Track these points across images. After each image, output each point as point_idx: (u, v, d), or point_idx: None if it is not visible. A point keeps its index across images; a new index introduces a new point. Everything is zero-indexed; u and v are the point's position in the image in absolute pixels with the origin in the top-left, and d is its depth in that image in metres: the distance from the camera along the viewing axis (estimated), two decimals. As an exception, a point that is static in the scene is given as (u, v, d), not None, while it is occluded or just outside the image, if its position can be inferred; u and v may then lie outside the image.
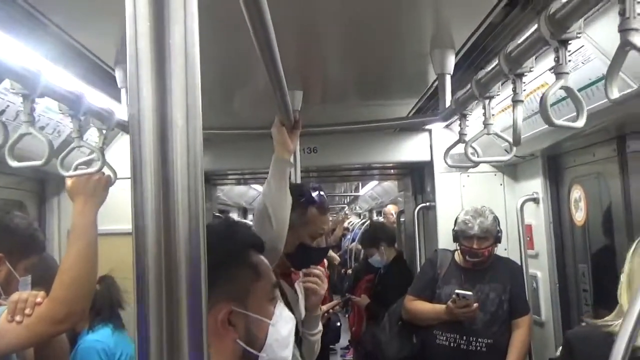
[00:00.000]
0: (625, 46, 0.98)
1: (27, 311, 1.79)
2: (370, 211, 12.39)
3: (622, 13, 0.99)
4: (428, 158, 4.60)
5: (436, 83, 3.01)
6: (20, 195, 3.70)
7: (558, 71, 1.26)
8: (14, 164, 1.69)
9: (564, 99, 2.42)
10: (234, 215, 10.10)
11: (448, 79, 2.41)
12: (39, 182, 3.82)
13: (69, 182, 2.05)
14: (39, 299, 1.82)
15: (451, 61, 2.39)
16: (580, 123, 1.26)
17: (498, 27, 2.19)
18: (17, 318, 1.78)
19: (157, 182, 0.53)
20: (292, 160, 2.57)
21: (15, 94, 1.57)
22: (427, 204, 4.75)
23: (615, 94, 1.04)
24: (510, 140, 1.61)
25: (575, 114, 1.31)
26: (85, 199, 1.98)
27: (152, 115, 0.55)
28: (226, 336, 1.32)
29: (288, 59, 1.74)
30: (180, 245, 0.53)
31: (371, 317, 5.26)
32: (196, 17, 0.59)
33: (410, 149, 4.63)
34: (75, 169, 2.08)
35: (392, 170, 6.34)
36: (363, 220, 11.13)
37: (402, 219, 7.15)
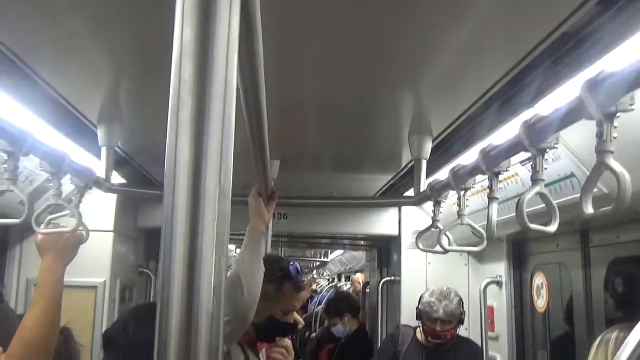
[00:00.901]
0: (600, 166, 1.05)
1: None
2: (339, 275, 12.34)
3: (599, 136, 1.05)
4: (396, 233, 4.66)
5: (410, 164, 3.10)
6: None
7: (534, 177, 1.32)
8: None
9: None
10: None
11: (424, 163, 2.48)
12: (2, 228, 3.75)
13: (39, 237, 2.02)
14: None
15: (428, 147, 2.47)
16: (553, 228, 1.32)
17: (476, 120, 2.27)
18: None
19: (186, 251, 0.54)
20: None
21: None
22: (392, 277, 4.78)
23: (589, 209, 1.10)
24: (484, 233, 1.66)
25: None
26: (54, 256, 1.94)
27: (187, 178, 0.56)
28: None
29: (269, 129, 1.79)
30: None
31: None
32: (234, 89, 0.60)
33: (379, 223, 4.69)
34: (47, 224, 2.05)
35: (360, 241, 6.39)
36: (331, 284, 11.06)
37: (367, 290, 7.15)
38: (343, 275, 11.97)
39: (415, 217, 4.49)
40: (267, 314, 2.35)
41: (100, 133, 2.39)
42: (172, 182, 0.54)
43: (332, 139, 2.93)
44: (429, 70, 1.94)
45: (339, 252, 10.30)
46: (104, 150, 2.39)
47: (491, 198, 1.60)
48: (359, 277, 8.24)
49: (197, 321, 0.53)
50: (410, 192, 3.56)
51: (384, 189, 4.00)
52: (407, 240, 4.57)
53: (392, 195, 3.89)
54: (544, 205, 1.38)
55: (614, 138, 1.04)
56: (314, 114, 2.52)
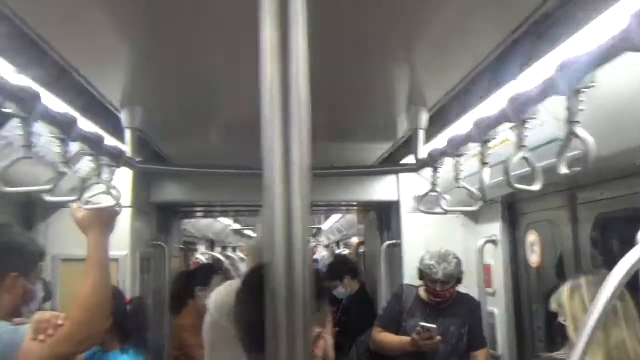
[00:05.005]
0: (570, 134, 1.27)
1: (49, 331, 1.95)
2: (337, 243, 12.51)
3: (568, 108, 1.28)
4: (395, 198, 4.88)
5: (406, 131, 3.32)
6: (3, 218, 3.81)
7: (518, 144, 1.55)
8: (50, 198, 1.88)
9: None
10: (201, 247, 10.13)
11: (421, 133, 2.68)
12: (23, 207, 3.94)
13: (79, 214, 2.23)
14: (60, 321, 2.00)
15: (425, 118, 2.67)
16: (537, 187, 1.55)
17: (468, 91, 2.47)
18: (40, 337, 1.94)
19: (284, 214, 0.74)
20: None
21: (52, 137, 1.78)
22: (393, 241, 5.00)
23: (564, 169, 1.34)
24: (478, 194, 1.89)
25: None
26: (99, 231, 2.18)
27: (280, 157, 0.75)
28: None
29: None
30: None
31: (336, 348, 5.42)
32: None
33: (378, 190, 4.90)
34: (85, 202, 2.26)
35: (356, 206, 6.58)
36: (331, 254, 11.24)
37: (361, 250, 7.30)
38: (341, 243, 12.17)
39: (413, 183, 4.72)
40: None
41: (124, 116, 2.58)
42: (270, 161, 0.74)
43: (331, 110, 3.10)
44: (422, 44, 2.09)
45: (334, 218, 10.41)
46: (128, 132, 2.59)
47: (483, 163, 1.83)
48: (357, 241, 8.34)
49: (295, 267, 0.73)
50: (407, 160, 3.79)
51: (382, 157, 4.20)
52: (406, 205, 4.80)
53: (393, 163, 4.09)
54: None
55: (580, 110, 1.27)
56: (313, 86, 2.68)
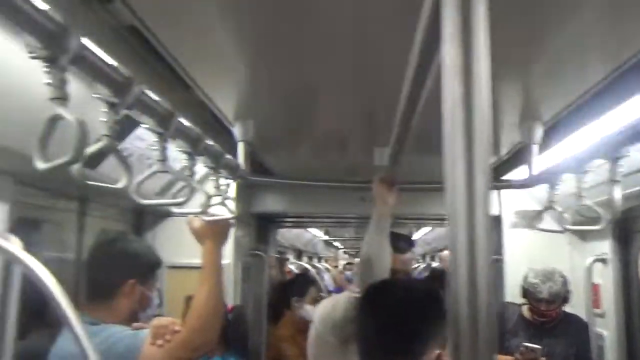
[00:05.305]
0: None
1: (167, 337, 2.03)
2: (423, 256, 12.40)
3: None
4: (496, 212, 4.74)
5: (517, 146, 3.22)
6: (118, 226, 3.99)
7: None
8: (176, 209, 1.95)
9: None
10: (290, 257, 10.27)
11: (535, 149, 2.59)
12: (136, 215, 4.12)
13: (195, 224, 2.31)
14: (177, 327, 2.07)
15: (539, 133, 2.58)
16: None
17: (584, 107, 2.36)
18: (159, 342, 2.02)
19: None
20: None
21: (180, 152, 1.86)
22: (495, 257, 4.85)
23: None
24: (606, 215, 1.81)
25: None
26: (215, 241, 2.25)
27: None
28: None
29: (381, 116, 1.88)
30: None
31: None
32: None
33: (480, 204, 4.76)
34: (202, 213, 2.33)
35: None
36: (423, 265, 11.11)
37: None
38: (427, 256, 12.04)
39: (515, 198, 4.59)
40: None
41: (238, 130, 2.65)
42: (453, 179, 0.74)
43: (435, 123, 3.05)
44: (542, 59, 2.01)
45: (423, 230, 10.30)
46: (241, 145, 2.65)
47: (614, 181, 1.75)
48: (447, 255, 8.20)
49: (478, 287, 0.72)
50: (510, 175, 3.68)
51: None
52: (508, 220, 4.66)
53: (503, 179, 3.95)
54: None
55: None
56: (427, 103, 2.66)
